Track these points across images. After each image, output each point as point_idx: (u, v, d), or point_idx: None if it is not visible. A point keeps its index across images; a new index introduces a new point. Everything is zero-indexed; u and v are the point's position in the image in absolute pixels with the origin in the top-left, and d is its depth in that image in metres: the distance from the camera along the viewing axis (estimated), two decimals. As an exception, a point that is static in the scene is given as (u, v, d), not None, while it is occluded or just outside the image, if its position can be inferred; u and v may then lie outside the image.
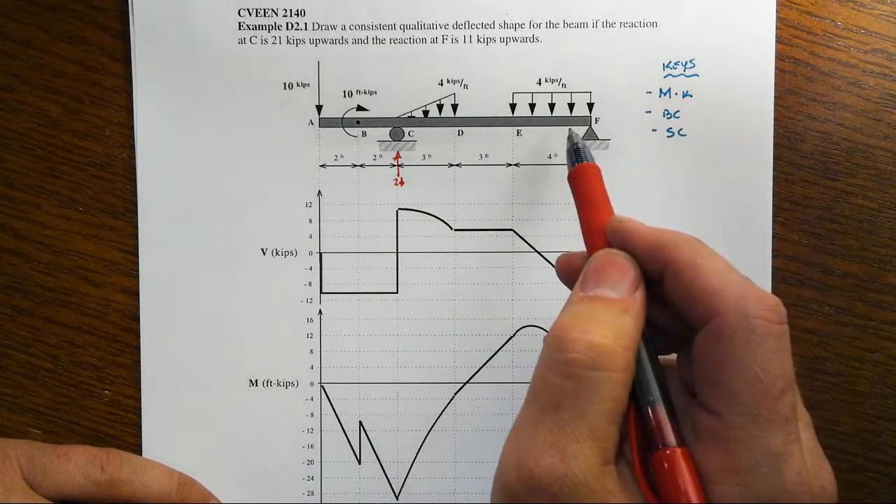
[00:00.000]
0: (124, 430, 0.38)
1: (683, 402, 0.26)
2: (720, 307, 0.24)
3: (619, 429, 0.24)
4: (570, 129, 0.34)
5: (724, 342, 0.23)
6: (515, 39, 0.36)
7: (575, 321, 0.24)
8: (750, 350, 0.23)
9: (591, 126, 0.37)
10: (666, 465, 0.24)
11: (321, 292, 0.37)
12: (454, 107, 0.37)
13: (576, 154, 0.32)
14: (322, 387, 0.37)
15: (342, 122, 0.37)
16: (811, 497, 0.23)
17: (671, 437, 0.24)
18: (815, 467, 0.24)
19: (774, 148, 0.36)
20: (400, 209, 0.37)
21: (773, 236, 0.36)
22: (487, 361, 0.37)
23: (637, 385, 0.25)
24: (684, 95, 0.36)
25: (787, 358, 0.23)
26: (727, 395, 0.23)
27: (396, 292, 0.37)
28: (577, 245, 0.37)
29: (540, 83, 0.37)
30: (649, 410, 0.25)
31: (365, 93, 0.37)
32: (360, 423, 0.37)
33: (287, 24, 0.37)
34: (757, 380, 0.23)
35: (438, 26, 0.36)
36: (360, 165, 0.37)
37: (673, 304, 0.26)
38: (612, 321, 0.24)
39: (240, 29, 0.37)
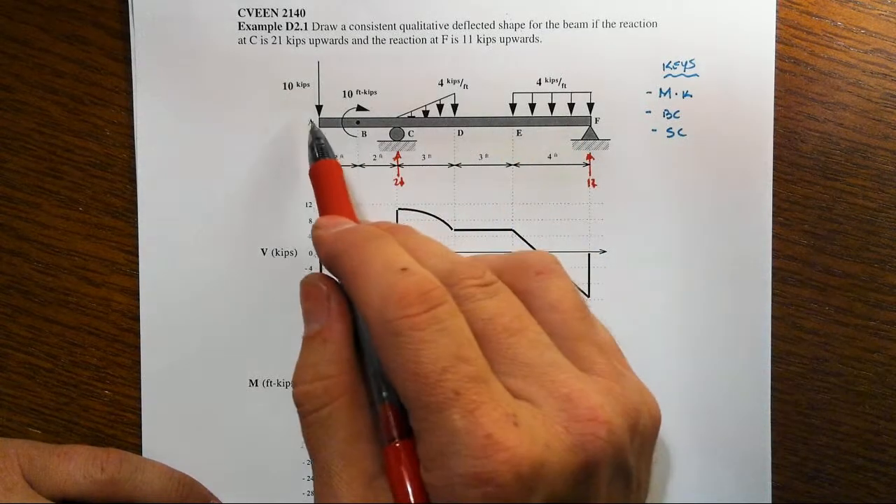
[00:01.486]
0: (124, 430, 0.38)
1: None
2: (369, 318, 0.24)
3: (376, 441, 0.25)
4: (311, 122, 0.33)
5: (381, 349, 0.24)
6: (515, 39, 0.36)
7: (294, 376, 0.27)
8: (398, 349, 0.23)
9: (591, 126, 0.37)
10: (389, 460, 0.25)
11: (321, 292, 0.37)
12: (454, 107, 0.37)
13: (318, 150, 0.30)
14: (322, 387, 0.37)
15: (342, 122, 0.37)
16: (527, 447, 0.22)
17: (393, 432, 0.25)
18: (543, 419, 0.23)
19: (774, 148, 0.36)
20: (400, 209, 0.37)
21: (773, 236, 0.36)
22: (487, 361, 0.37)
23: (368, 389, 0.26)
24: (684, 95, 0.36)
25: (445, 337, 0.23)
26: (402, 393, 0.24)
27: (396, 292, 0.37)
28: (575, 246, 0.37)
29: (540, 83, 0.37)
30: (379, 408, 0.26)
31: (365, 93, 0.37)
32: (360, 423, 0.37)
33: (287, 24, 0.37)
34: (413, 375, 0.23)
35: (438, 26, 0.36)
36: (360, 165, 0.37)
37: None
38: (318, 358, 0.26)
39: (240, 29, 0.37)
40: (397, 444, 0.25)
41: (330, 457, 0.25)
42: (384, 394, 0.25)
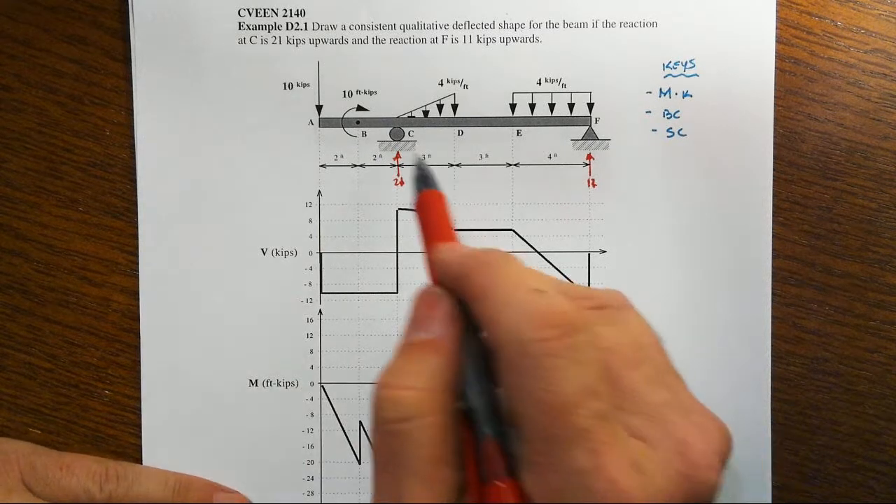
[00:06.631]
0: (124, 430, 0.38)
1: None
2: (500, 338, 0.23)
3: (456, 465, 0.24)
4: (415, 156, 0.33)
5: (509, 371, 0.23)
6: (515, 39, 0.36)
7: (384, 378, 0.24)
8: (529, 374, 0.22)
9: (591, 126, 0.37)
10: (492, 498, 0.23)
11: (321, 292, 0.37)
12: (454, 107, 0.37)
13: (422, 181, 0.29)
14: (322, 387, 0.37)
15: (342, 122, 0.37)
16: (648, 496, 0.22)
17: (499, 470, 0.24)
18: (658, 459, 0.23)
19: (774, 148, 0.36)
20: (400, 209, 0.37)
21: (773, 236, 0.36)
22: (487, 361, 0.37)
23: (471, 419, 0.25)
24: (684, 95, 0.36)
25: (581, 368, 0.22)
26: (523, 422, 0.23)
27: (396, 292, 0.37)
28: (575, 246, 0.37)
29: (540, 83, 0.37)
30: (482, 444, 0.24)
31: (365, 93, 0.37)
32: (360, 423, 0.37)
33: (287, 24, 0.37)
34: (541, 402, 0.22)
35: (438, 26, 0.36)
36: (360, 165, 0.37)
37: None
38: (420, 367, 0.24)
39: (240, 29, 0.37)
40: (504, 484, 0.23)
41: (405, 475, 0.23)
42: (486, 430, 0.24)
